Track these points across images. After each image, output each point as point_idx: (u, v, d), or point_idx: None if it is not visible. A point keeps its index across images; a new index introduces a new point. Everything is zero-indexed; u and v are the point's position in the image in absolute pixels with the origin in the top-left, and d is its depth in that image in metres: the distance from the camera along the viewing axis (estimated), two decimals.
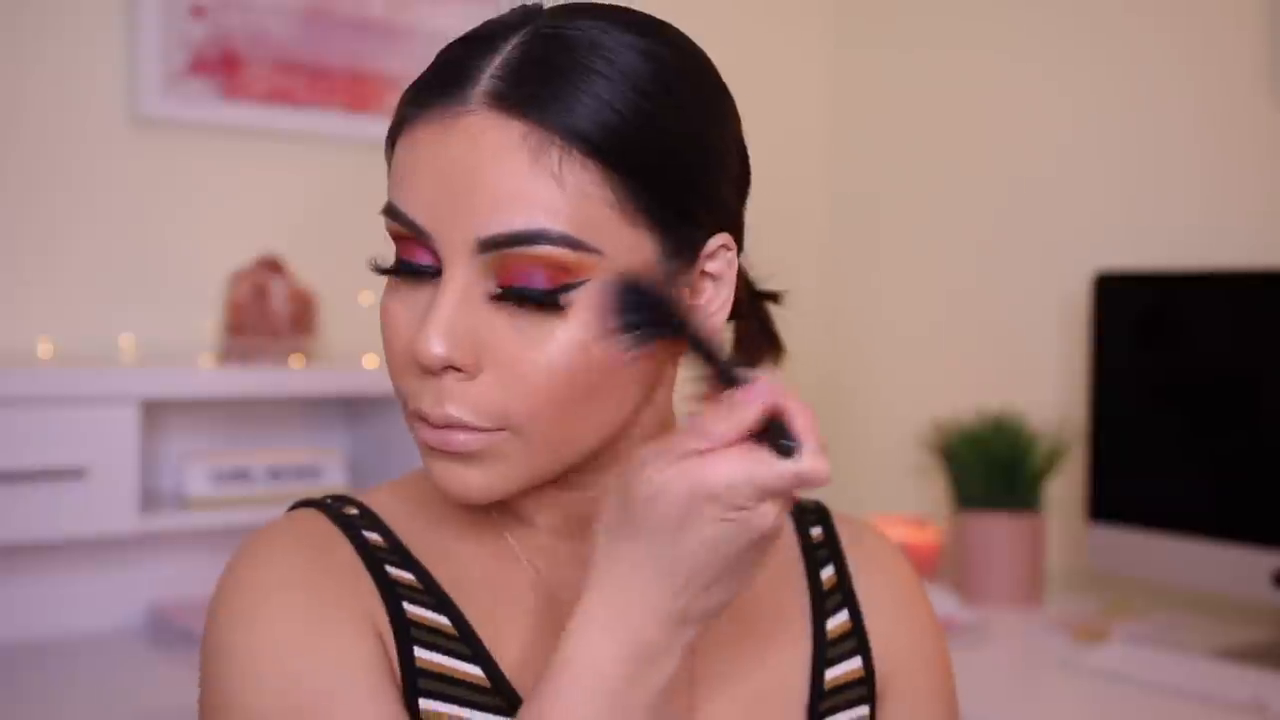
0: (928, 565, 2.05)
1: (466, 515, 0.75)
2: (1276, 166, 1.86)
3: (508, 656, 0.70)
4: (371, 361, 1.79)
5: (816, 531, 0.83)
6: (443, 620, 0.70)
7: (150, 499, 1.69)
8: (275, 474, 1.75)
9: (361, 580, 0.69)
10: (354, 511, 0.74)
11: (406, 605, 0.69)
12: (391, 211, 0.67)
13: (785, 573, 0.80)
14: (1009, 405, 2.07)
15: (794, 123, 2.49)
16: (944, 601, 1.79)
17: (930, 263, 2.34)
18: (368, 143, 1.96)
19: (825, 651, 0.77)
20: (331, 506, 0.74)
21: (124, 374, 1.59)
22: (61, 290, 1.77)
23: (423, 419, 0.67)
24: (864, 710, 0.77)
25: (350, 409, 1.94)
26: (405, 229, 0.67)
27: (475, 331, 0.65)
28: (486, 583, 0.73)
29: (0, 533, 1.51)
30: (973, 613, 1.84)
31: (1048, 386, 2.12)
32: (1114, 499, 1.85)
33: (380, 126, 2.08)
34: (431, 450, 0.68)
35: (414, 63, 1.99)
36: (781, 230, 2.52)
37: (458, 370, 0.65)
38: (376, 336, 0.72)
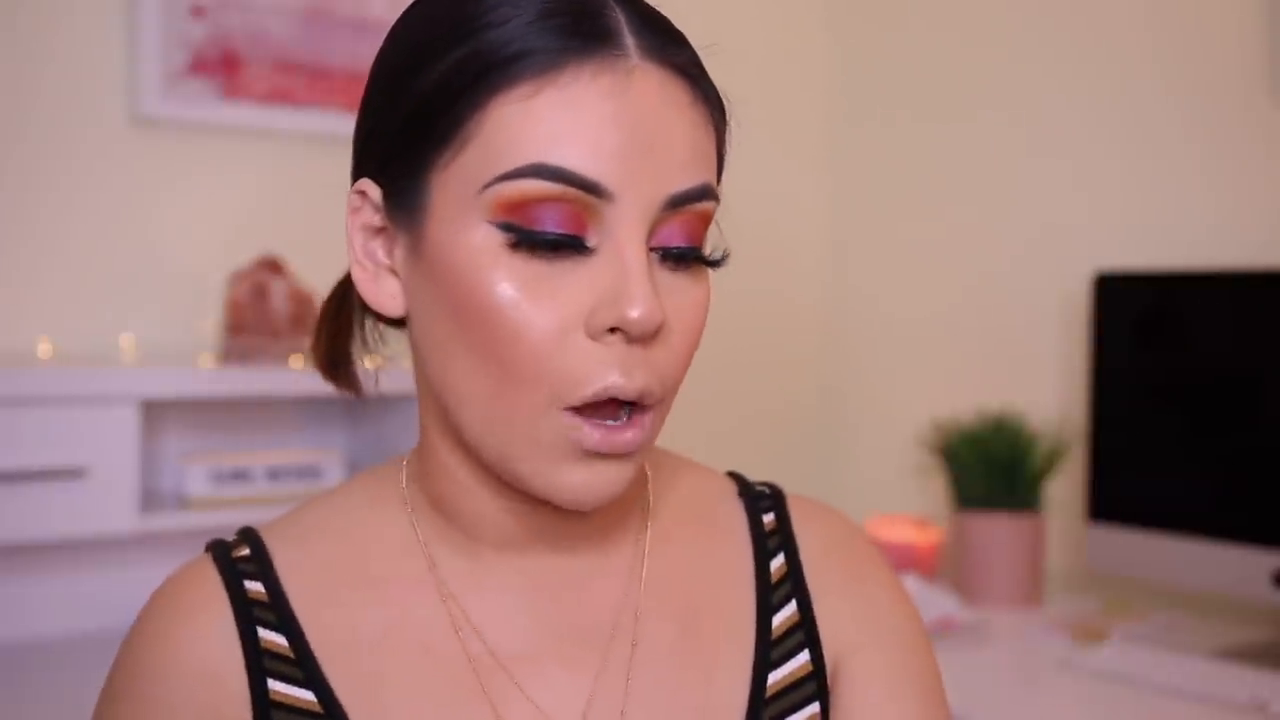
0: (928, 565, 2.05)
1: (375, 553, 0.72)
2: (1276, 166, 1.86)
3: None
4: (372, 361, 1.79)
5: (769, 519, 0.78)
6: (306, 696, 0.67)
7: (150, 499, 1.69)
8: (275, 474, 1.75)
9: (221, 671, 0.67)
10: (244, 553, 0.71)
11: (271, 682, 0.67)
12: (550, 172, 0.60)
13: (732, 568, 0.75)
14: (1009, 405, 2.07)
15: (793, 121, 2.49)
16: (944, 601, 1.79)
17: (930, 262, 2.34)
18: None
19: (769, 653, 0.73)
20: (224, 552, 0.71)
21: (124, 374, 1.59)
22: (61, 290, 1.77)
23: (610, 400, 0.63)
24: (814, 709, 0.73)
25: (350, 409, 1.94)
26: (570, 190, 0.61)
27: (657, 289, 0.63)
28: (377, 639, 0.69)
29: (0, 533, 1.51)
30: (973, 613, 1.85)
31: (1048, 386, 2.12)
32: (1114, 499, 1.85)
33: None
34: (588, 454, 0.63)
35: None
36: (782, 229, 2.53)
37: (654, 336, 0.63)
38: None
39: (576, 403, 0.62)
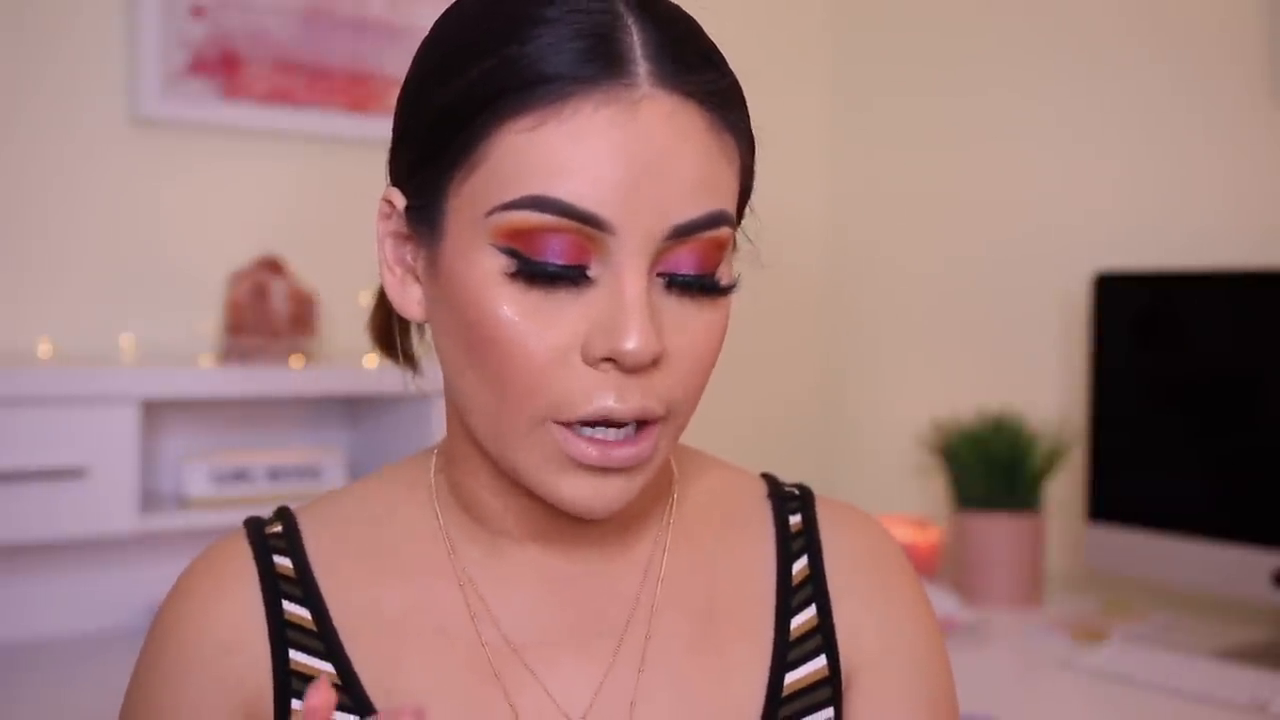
0: (928, 565, 2.05)
1: (399, 537, 0.73)
2: (1276, 166, 1.86)
3: (396, 702, 0.69)
4: (372, 361, 1.79)
5: (796, 520, 0.78)
6: (326, 667, 0.70)
7: (150, 499, 1.69)
8: (275, 474, 1.75)
9: (245, 640, 0.70)
10: (277, 530, 0.74)
11: (292, 653, 0.70)
12: (549, 204, 0.61)
13: (754, 568, 0.76)
14: (1009, 405, 2.07)
15: (794, 119, 2.49)
16: (944, 601, 1.79)
17: (929, 263, 2.34)
18: (368, 143, 1.96)
19: (787, 653, 0.73)
20: (258, 528, 0.74)
21: (124, 374, 1.59)
22: (61, 290, 1.77)
23: (605, 422, 0.63)
24: (829, 713, 0.73)
25: (350, 409, 1.94)
26: (568, 223, 0.61)
27: (657, 319, 0.63)
28: (397, 620, 0.71)
29: (0, 533, 1.51)
30: (972, 613, 1.85)
31: (1048, 386, 2.12)
32: (1113, 499, 1.85)
33: (380, 126, 2.09)
34: (584, 468, 0.64)
35: None
36: (782, 229, 2.52)
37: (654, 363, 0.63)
38: None
39: (569, 420, 0.63)
